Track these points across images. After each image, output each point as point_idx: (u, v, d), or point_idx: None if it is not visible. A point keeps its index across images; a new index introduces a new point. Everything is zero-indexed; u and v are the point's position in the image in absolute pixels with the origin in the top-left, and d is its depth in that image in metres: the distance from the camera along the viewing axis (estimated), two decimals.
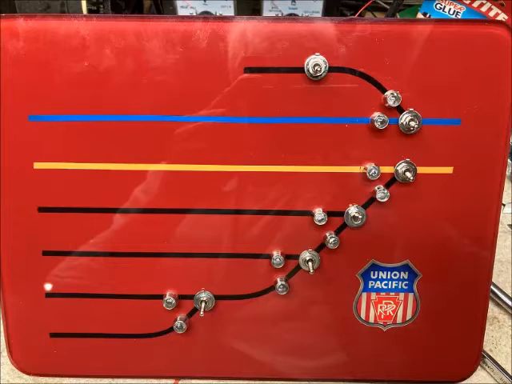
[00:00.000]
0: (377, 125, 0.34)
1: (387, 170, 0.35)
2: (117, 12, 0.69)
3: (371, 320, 0.39)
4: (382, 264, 0.38)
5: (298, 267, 0.37)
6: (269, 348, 0.40)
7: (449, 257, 0.37)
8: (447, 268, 0.38)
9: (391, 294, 0.39)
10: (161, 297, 0.38)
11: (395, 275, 0.38)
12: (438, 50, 0.33)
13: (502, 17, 0.63)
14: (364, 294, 0.38)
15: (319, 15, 0.69)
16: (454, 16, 0.66)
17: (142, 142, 0.35)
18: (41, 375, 0.41)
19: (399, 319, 0.39)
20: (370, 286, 0.38)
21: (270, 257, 0.37)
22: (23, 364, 0.41)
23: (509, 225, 0.58)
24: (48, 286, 0.38)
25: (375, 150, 0.35)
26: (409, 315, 0.39)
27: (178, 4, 0.70)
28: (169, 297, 0.38)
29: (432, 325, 0.39)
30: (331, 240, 0.36)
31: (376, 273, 0.38)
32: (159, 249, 0.37)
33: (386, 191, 0.35)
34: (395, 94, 0.33)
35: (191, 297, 0.38)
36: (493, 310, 0.48)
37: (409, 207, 0.36)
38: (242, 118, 0.35)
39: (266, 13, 0.69)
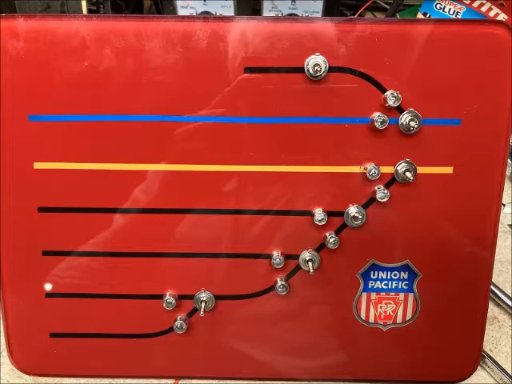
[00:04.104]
0: (377, 125, 0.34)
1: (387, 169, 0.35)
2: (117, 12, 0.69)
3: (371, 320, 0.39)
4: (382, 264, 0.38)
5: (298, 267, 0.37)
6: (269, 348, 0.40)
7: (449, 257, 0.37)
8: (447, 268, 0.38)
9: (391, 294, 0.39)
10: (161, 297, 0.38)
11: (395, 275, 0.38)
12: (438, 49, 0.33)
13: (502, 17, 0.63)
14: (364, 294, 0.38)
15: (319, 15, 0.69)
16: (454, 16, 0.66)
17: (142, 142, 0.35)
18: (41, 375, 0.41)
19: (399, 319, 0.39)
20: (370, 286, 0.38)
21: (270, 257, 0.37)
22: (23, 364, 0.41)
23: (509, 225, 0.58)
24: (48, 286, 0.38)
25: (375, 150, 0.35)
26: (409, 315, 0.39)
27: (178, 4, 0.70)
28: (169, 297, 0.38)
29: (432, 325, 0.39)
30: (331, 240, 0.36)
31: (376, 273, 0.38)
32: (159, 249, 0.37)
33: (385, 191, 0.35)
34: (395, 94, 0.33)
35: (191, 297, 0.38)
36: (493, 310, 0.48)
37: (409, 207, 0.36)
38: (242, 118, 0.35)
39: (266, 13, 0.69)
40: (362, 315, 0.39)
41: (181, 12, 0.70)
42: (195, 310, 0.39)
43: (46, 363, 0.40)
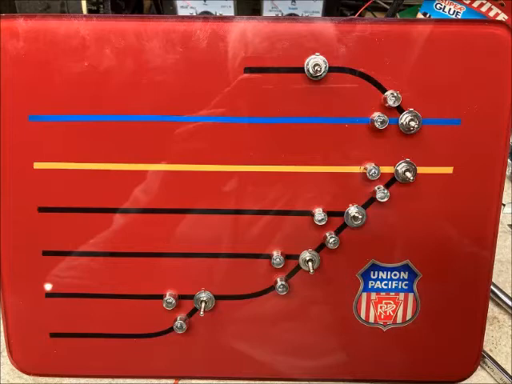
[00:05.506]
0: (377, 125, 0.34)
1: (387, 169, 0.35)
2: (117, 12, 0.69)
3: (371, 320, 0.39)
4: (382, 264, 0.38)
5: (298, 267, 0.37)
6: (269, 348, 0.40)
7: (449, 257, 0.37)
8: (447, 268, 0.38)
9: (391, 294, 0.39)
10: (161, 297, 0.38)
11: (395, 275, 0.38)
12: (438, 49, 0.33)
13: (502, 17, 0.63)
14: (364, 294, 0.38)
15: (319, 15, 0.69)
16: (454, 16, 0.66)
17: (142, 142, 0.35)
18: (41, 375, 0.41)
19: (399, 319, 0.39)
20: (370, 286, 0.38)
21: (270, 257, 0.37)
22: (23, 364, 0.41)
23: (509, 225, 0.58)
24: (48, 286, 0.38)
25: (375, 150, 0.35)
26: (409, 315, 0.39)
27: (178, 4, 0.70)
28: (169, 297, 0.38)
29: (432, 325, 0.39)
30: (331, 240, 0.36)
31: (376, 273, 0.38)
32: (159, 249, 0.37)
33: (386, 191, 0.35)
34: (395, 94, 0.33)
35: (191, 297, 0.38)
36: (493, 310, 0.48)
37: (409, 207, 0.36)
38: (242, 118, 0.35)
39: (266, 13, 0.69)
40: (362, 315, 0.39)
41: (181, 12, 0.70)
42: (195, 310, 0.39)
43: (46, 363, 0.40)
